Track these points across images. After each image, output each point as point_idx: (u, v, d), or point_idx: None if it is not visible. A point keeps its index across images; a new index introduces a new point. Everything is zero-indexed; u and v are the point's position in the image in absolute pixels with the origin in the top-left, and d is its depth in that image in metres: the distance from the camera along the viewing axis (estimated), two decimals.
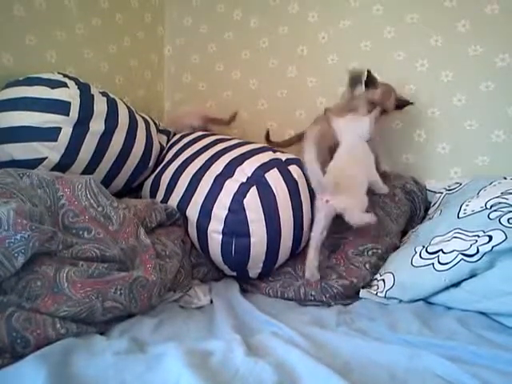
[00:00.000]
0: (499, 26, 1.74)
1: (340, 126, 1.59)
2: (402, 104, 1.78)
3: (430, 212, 1.76)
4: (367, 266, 1.47)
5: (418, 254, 1.44)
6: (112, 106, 1.58)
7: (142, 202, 1.47)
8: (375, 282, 1.46)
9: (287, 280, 1.48)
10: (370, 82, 1.73)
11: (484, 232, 1.34)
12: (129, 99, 1.95)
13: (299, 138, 1.99)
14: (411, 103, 1.79)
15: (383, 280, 1.44)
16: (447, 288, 1.33)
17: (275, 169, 1.45)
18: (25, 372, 0.88)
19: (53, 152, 1.44)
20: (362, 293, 1.44)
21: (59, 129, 1.43)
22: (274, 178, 1.43)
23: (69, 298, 1.05)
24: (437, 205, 1.75)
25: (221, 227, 1.41)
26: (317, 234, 1.45)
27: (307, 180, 1.50)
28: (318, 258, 1.44)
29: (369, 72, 1.73)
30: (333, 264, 1.50)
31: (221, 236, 1.42)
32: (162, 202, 1.56)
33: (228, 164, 1.49)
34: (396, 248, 1.58)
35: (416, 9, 1.87)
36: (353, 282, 1.42)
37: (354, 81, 1.76)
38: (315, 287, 1.41)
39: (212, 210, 1.43)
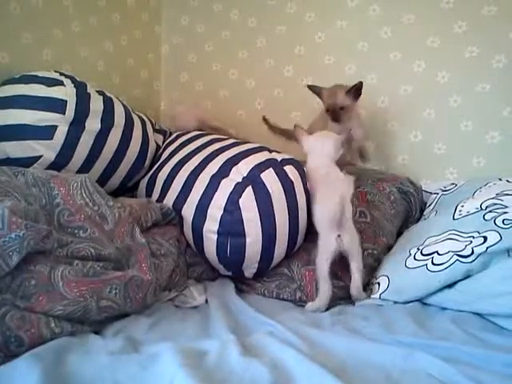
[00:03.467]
0: (495, 28, 1.75)
1: (308, 144, 1.58)
2: (355, 91, 1.70)
3: (425, 213, 1.76)
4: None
5: (413, 255, 1.44)
6: (108, 105, 1.58)
7: (138, 202, 1.47)
8: (370, 286, 1.46)
9: (283, 281, 1.48)
10: (316, 93, 1.75)
11: (479, 233, 1.35)
12: (125, 98, 1.94)
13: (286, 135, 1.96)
14: (360, 82, 1.68)
15: (378, 283, 1.44)
16: (442, 289, 1.34)
17: (271, 169, 1.45)
18: (18, 371, 0.88)
19: (48, 150, 1.43)
20: None
21: (55, 127, 1.43)
22: (269, 177, 1.43)
23: (63, 297, 1.05)
24: (432, 205, 1.75)
25: (216, 227, 1.41)
26: (323, 267, 1.36)
27: (303, 180, 1.50)
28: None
29: (308, 86, 1.76)
30: None
31: (216, 236, 1.42)
32: (157, 201, 1.55)
33: (224, 164, 1.48)
34: (391, 248, 1.58)
35: (413, 9, 1.87)
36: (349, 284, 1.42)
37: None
38: (310, 290, 1.41)
39: (207, 209, 1.42)
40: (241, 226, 1.39)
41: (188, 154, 1.61)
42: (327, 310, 1.36)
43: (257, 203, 1.39)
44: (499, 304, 1.23)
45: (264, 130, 2.17)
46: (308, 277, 1.43)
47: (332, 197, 1.39)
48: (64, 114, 1.43)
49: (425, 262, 1.38)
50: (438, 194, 1.78)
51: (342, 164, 1.77)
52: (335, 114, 1.71)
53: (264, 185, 1.41)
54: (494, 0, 1.74)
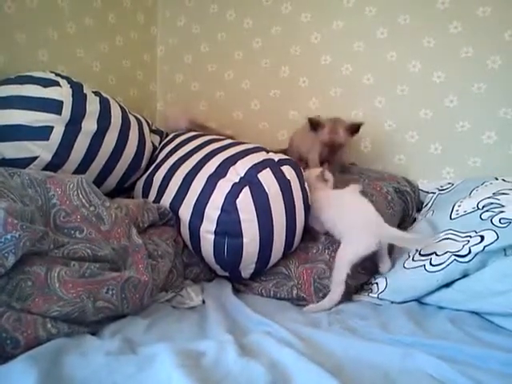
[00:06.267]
0: (491, 28, 1.76)
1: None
2: (354, 129, 1.74)
3: (422, 212, 1.76)
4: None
5: (411, 257, 1.44)
6: (104, 106, 1.57)
7: (135, 202, 1.46)
8: (369, 286, 1.46)
9: (280, 280, 1.47)
10: (315, 125, 1.74)
11: (476, 232, 1.35)
12: (121, 99, 1.94)
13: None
14: (361, 124, 1.73)
15: (376, 284, 1.44)
16: (439, 288, 1.34)
17: (268, 169, 1.45)
18: (15, 373, 0.87)
19: (44, 151, 1.43)
20: (355, 297, 1.45)
21: (51, 128, 1.42)
22: (266, 178, 1.43)
23: (60, 298, 1.04)
24: (429, 205, 1.75)
25: (213, 227, 1.40)
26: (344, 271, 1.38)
27: (300, 180, 1.50)
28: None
29: (309, 119, 1.74)
30: (327, 260, 1.48)
31: (213, 236, 1.41)
32: (154, 201, 1.55)
33: (221, 164, 1.48)
34: None
35: (408, 10, 1.88)
36: (347, 282, 1.42)
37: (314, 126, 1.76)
38: (308, 288, 1.41)
39: (204, 210, 1.42)
40: (238, 227, 1.39)
41: (185, 155, 1.60)
42: None
43: (254, 203, 1.39)
44: (496, 303, 1.23)
45: (262, 129, 2.19)
46: (305, 275, 1.43)
47: (365, 207, 1.49)
48: (60, 114, 1.43)
49: (423, 263, 1.38)
50: (434, 193, 1.79)
51: (343, 164, 1.79)
52: (333, 151, 1.74)
53: (261, 185, 1.41)
54: (488, 1, 1.75)
